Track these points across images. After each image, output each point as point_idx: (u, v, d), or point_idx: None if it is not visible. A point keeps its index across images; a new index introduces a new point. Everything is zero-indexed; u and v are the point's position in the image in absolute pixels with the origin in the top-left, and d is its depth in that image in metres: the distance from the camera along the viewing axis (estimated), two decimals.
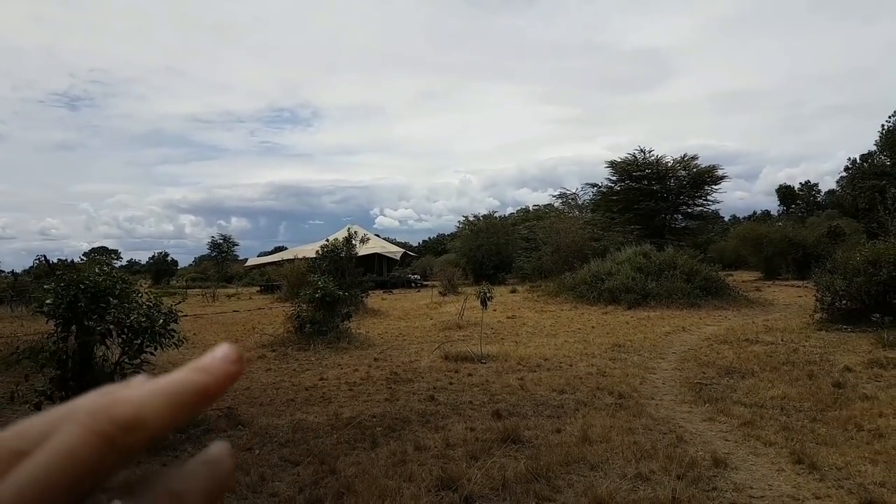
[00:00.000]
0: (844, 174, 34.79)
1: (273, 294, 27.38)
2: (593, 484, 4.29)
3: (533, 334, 13.00)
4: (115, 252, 74.68)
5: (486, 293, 10.62)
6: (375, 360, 10.18)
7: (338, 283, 13.05)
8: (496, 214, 42.51)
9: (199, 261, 72.96)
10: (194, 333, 14.92)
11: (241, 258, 62.63)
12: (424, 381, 8.32)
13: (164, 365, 9.98)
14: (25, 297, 18.41)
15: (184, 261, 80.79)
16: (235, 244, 64.27)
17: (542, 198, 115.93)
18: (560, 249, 26.28)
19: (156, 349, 6.41)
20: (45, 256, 11.30)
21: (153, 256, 67.32)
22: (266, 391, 8.09)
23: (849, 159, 36.00)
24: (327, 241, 17.86)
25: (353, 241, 17.90)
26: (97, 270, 6.33)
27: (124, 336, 6.14)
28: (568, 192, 37.87)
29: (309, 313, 11.90)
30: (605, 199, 34.22)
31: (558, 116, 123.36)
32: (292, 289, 17.40)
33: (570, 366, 9.14)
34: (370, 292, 22.09)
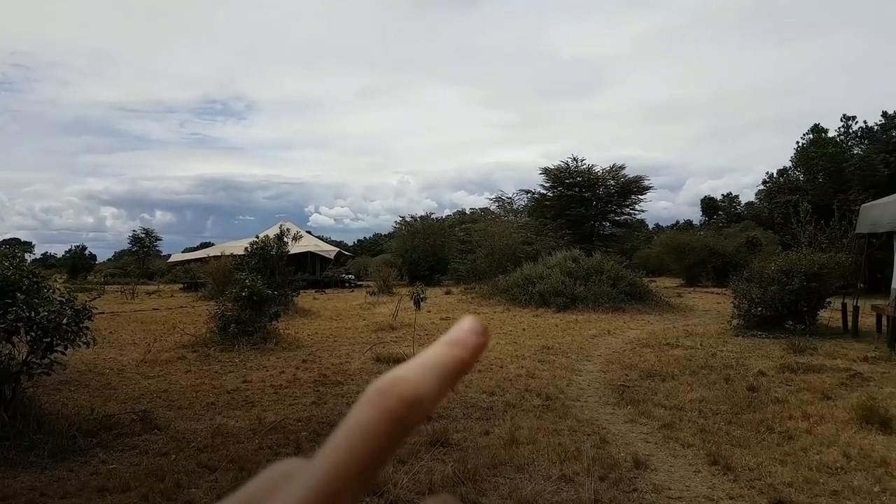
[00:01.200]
0: (762, 187, 36.90)
1: (197, 292, 26.29)
2: (519, 486, 4.31)
3: None
4: (28, 244, 69.78)
5: (419, 294, 10.57)
6: (304, 361, 9.92)
7: (267, 281, 12.65)
8: (433, 216, 42.57)
9: (120, 255, 69.21)
10: (110, 332, 14.12)
11: (164, 254, 59.91)
12: (355, 383, 8.18)
13: (77, 364, 9.38)
14: None
15: (103, 255, 76.47)
16: (158, 238, 61.37)
17: (478, 201, 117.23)
18: (494, 252, 26.61)
19: (66, 348, 6.00)
20: None
21: (70, 250, 63.33)
22: (185, 394, 7.74)
23: (766, 173, 38.27)
24: (257, 237, 17.29)
25: (285, 239, 17.40)
26: (6, 264, 5.88)
27: (32, 334, 5.70)
28: (504, 197, 38.38)
29: (234, 312, 11.46)
30: (538, 205, 35.04)
31: (497, 121, 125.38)
32: (217, 287, 16.73)
33: (501, 367, 9.22)
34: (301, 292, 21.59)
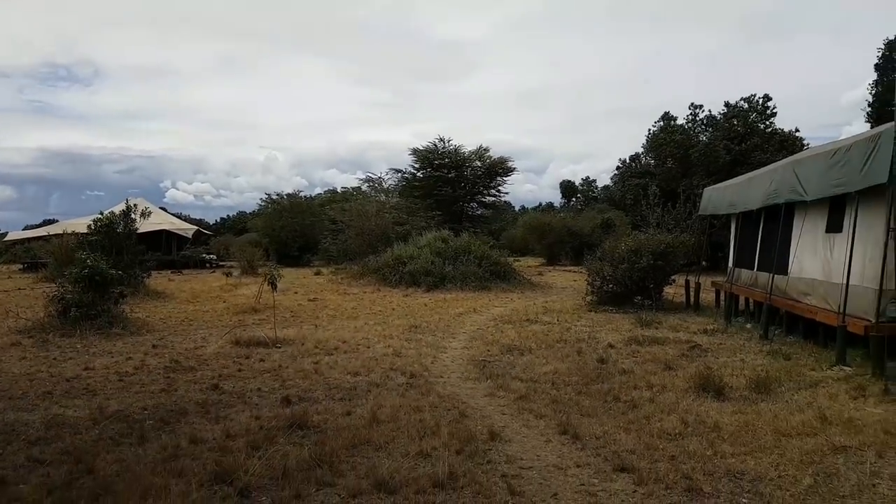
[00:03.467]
0: (616, 172, 39.75)
1: (38, 273, 23.52)
2: (376, 465, 4.34)
3: (334, 317, 12.89)
4: None
5: (273, 276, 10.22)
6: (154, 346, 9.26)
7: (113, 261, 11.58)
8: (302, 194, 41.24)
9: None
10: None
11: (2, 231, 52.82)
12: (210, 368, 7.78)
13: None
14: None
15: None
16: None
17: (350, 180, 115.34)
18: (364, 233, 26.37)
19: None
20: None
21: None
22: (18, 382, 6.99)
23: (620, 159, 41.25)
24: (101, 213, 15.73)
25: (133, 215, 15.99)
26: None
27: None
28: (374, 177, 38.01)
29: (75, 295, 10.40)
30: (408, 185, 35.10)
31: (369, 99, 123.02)
32: (59, 267, 15.08)
33: (368, 348, 9.23)
34: (155, 273, 20.00)
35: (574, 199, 65.73)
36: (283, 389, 6.69)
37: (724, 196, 14.13)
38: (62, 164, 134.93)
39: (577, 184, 68.84)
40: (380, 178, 37.42)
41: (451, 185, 34.07)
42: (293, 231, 34.47)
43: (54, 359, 8.37)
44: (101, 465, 4.41)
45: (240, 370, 7.69)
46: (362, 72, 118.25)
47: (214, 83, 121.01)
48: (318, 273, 26.56)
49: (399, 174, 36.04)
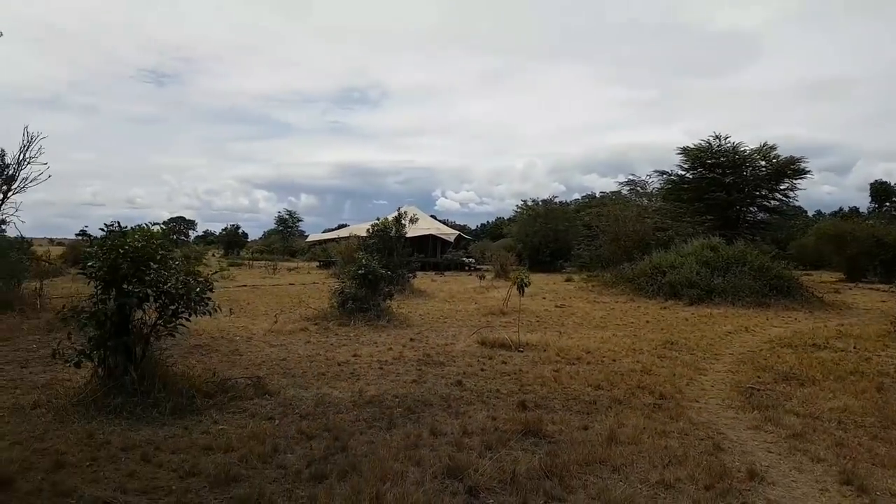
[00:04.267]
0: None
1: (329, 269, 27.95)
2: (609, 487, 3.96)
3: (580, 325, 12.54)
4: (192, 222, 78.07)
5: (522, 280, 10.25)
6: (411, 340, 10.06)
7: (384, 262, 12.99)
8: (557, 200, 41.45)
9: (268, 234, 75.29)
10: (248, 303, 15.35)
11: (306, 233, 64.31)
12: (456, 365, 8.12)
13: (212, 331, 10.24)
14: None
15: (255, 234, 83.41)
16: (299, 220, 66.01)
17: (610, 184, 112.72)
18: (620, 238, 25.29)
19: (190, 315, 6.45)
20: (117, 223, 11.70)
21: (226, 228, 69.91)
22: (300, 363, 8.12)
23: None
24: (377, 220, 17.97)
25: (403, 221, 17.89)
26: (136, 237, 6.41)
27: (161, 301, 6.19)
28: (636, 179, 36.08)
29: (352, 290, 11.91)
30: (674, 188, 32.50)
31: (631, 99, 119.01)
32: (345, 265, 17.60)
33: (614, 361, 8.69)
34: (420, 273, 22.05)
35: (889, 203, 54.00)
36: (521, 394, 6.62)
37: None
38: (353, 176, 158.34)
39: (893, 185, 56.41)
40: (642, 180, 35.61)
41: (726, 187, 30.58)
42: (546, 236, 34.88)
43: (331, 344, 9.60)
44: (354, 444, 4.84)
45: (482, 370, 7.87)
46: (622, 73, 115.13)
47: (479, 97, 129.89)
48: (568, 279, 26.36)
49: (664, 176, 33.73)
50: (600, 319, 13.49)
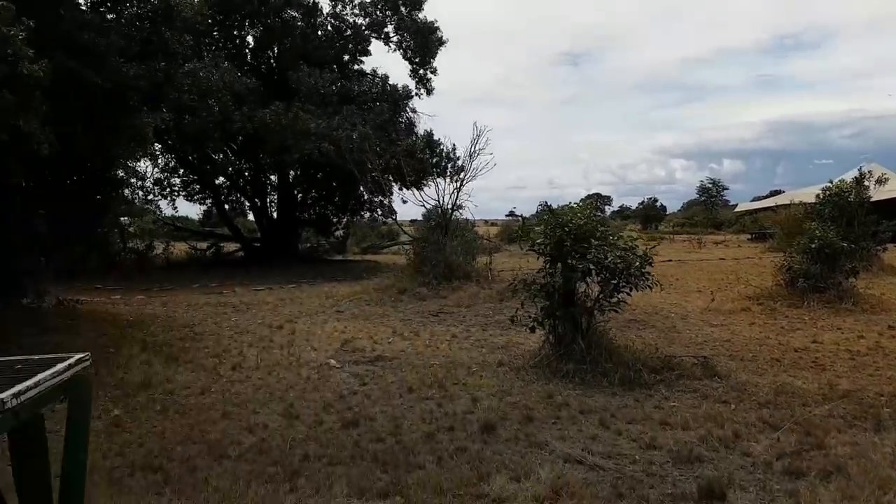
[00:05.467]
0: None
1: (764, 243, 25.20)
2: None
3: None
4: (607, 198, 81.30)
5: None
6: (889, 327, 8.25)
7: (842, 232, 10.95)
8: None
9: (688, 206, 72.49)
10: (676, 279, 15.15)
11: (731, 203, 59.70)
12: None
13: (644, 307, 10.42)
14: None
15: (673, 206, 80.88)
16: (725, 188, 61.46)
17: None
18: None
19: (631, 290, 6.68)
20: (546, 203, 13.19)
21: (642, 202, 70.14)
22: (748, 346, 7.59)
23: None
24: (830, 182, 15.14)
25: (866, 183, 14.62)
26: (580, 215, 6.96)
27: (602, 276, 6.60)
28: None
29: (802, 266, 10.44)
30: None
31: None
32: (785, 237, 15.59)
33: None
34: (890, 246, 17.74)
35: None
36: None
37: None
38: (787, 135, 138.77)
39: None
40: None
41: None
42: None
43: (781, 327, 8.65)
44: (832, 443, 4.28)
45: None
46: None
47: None
48: None
49: None
50: None
